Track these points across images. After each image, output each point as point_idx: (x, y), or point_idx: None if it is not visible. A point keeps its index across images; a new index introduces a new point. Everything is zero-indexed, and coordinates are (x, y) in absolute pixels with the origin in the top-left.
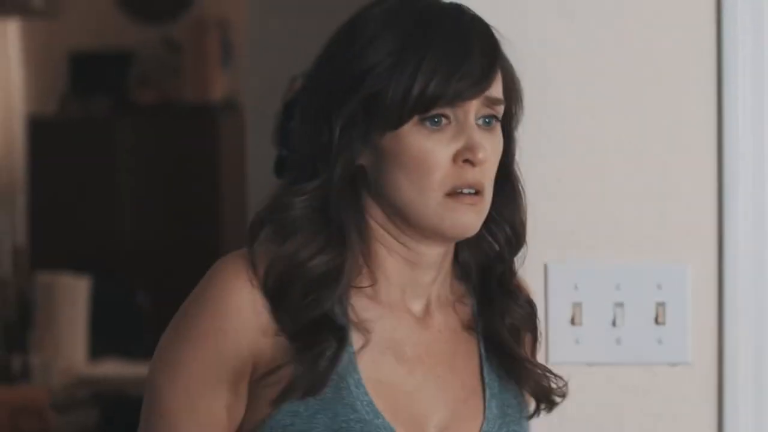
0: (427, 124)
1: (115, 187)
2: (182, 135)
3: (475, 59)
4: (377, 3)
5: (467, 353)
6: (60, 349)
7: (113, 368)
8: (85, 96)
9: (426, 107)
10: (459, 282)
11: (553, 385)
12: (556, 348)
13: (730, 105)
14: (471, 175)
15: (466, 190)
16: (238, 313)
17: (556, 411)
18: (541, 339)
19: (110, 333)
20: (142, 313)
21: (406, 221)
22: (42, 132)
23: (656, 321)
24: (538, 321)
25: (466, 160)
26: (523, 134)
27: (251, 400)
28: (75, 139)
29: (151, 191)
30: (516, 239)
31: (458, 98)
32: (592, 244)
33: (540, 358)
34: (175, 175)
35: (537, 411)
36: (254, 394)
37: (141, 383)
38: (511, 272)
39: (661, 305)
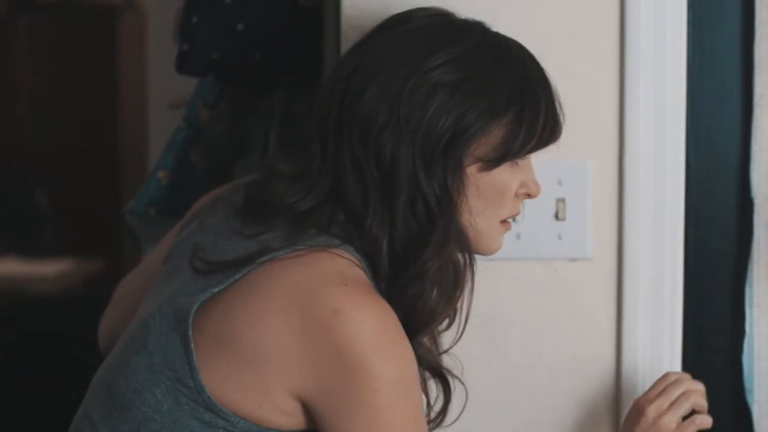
0: (517, 161)
1: (14, 86)
2: (82, 34)
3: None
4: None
5: None
6: None
7: (11, 266)
8: None
9: (532, 151)
10: None
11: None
12: None
13: (632, 2)
14: (520, 206)
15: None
16: None
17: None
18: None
19: (9, 231)
20: (41, 212)
21: None
22: None
23: (556, 217)
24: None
25: (526, 194)
26: None
27: None
28: None
29: (51, 90)
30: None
31: (553, 143)
32: None
33: None
34: (75, 74)
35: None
36: None
37: (39, 281)
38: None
39: (561, 201)
